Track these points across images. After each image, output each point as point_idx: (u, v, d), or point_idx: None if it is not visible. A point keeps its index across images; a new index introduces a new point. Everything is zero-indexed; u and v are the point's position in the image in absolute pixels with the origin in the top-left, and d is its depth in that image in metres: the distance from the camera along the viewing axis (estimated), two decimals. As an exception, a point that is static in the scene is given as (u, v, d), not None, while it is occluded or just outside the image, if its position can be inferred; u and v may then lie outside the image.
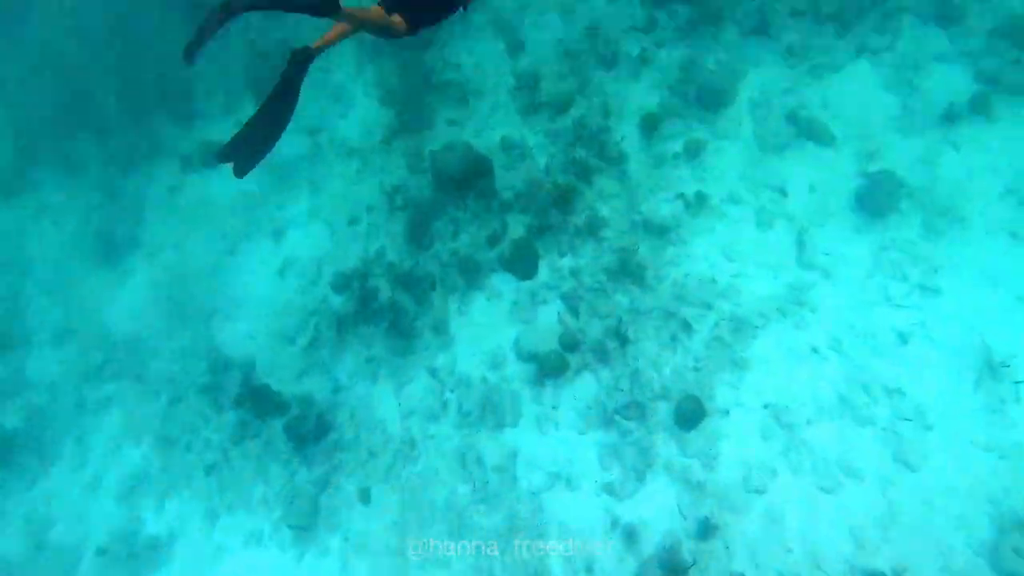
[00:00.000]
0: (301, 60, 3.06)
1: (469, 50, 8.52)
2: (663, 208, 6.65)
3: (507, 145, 7.37)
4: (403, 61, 8.68)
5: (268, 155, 3.31)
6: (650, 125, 6.94)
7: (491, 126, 7.68)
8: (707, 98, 6.95)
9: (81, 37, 10.79)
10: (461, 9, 3.53)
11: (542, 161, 7.18)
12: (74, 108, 9.77)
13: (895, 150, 6.37)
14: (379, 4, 3.21)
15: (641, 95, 7.32)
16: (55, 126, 9.72)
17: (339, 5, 2.79)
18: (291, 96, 3.13)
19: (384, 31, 3.19)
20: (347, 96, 8.91)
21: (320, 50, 3.10)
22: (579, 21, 8.24)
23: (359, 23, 3.03)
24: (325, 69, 9.32)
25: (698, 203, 6.59)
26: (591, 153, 6.98)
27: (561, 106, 7.40)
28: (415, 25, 3.28)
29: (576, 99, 7.45)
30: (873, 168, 6.32)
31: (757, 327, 5.97)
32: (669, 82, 7.29)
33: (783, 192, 6.49)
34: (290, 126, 8.74)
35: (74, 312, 8.24)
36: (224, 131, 9.32)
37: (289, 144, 8.84)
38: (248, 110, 9.51)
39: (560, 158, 7.06)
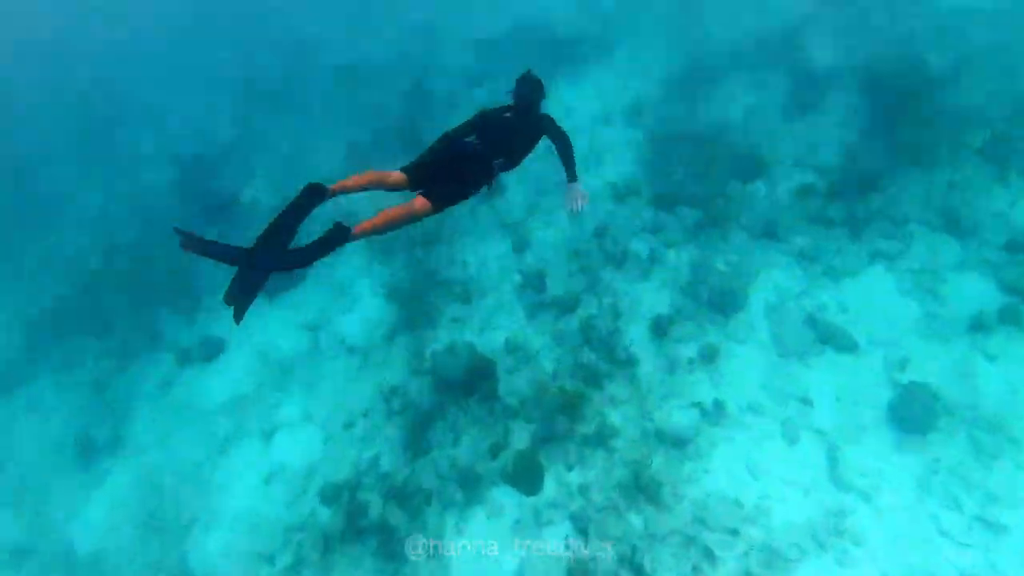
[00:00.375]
0: (313, 193, 3.50)
1: (475, 248, 10.26)
2: (678, 417, 7.42)
3: (512, 347, 8.52)
4: (410, 257, 10.42)
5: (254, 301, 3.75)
6: (661, 328, 8.05)
7: (495, 326, 8.95)
8: (720, 300, 8.13)
9: (103, 241, 13.37)
10: (485, 187, 4.04)
11: (548, 365, 8.22)
12: (81, 303, 11.74)
13: (924, 359, 7.21)
14: (401, 171, 3.84)
15: (651, 296, 8.60)
16: (61, 320, 11.60)
17: (348, 234, 3.43)
18: (288, 234, 3.44)
19: (409, 220, 3.65)
20: (353, 291, 10.53)
21: (335, 193, 3.59)
22: (587, 221, 9.98)
23: (383, 228, 3.57)
24: (331, 265, 11.19)
25: (716, 412, 7.36)
26: (600, 356, 8.03)
27: (568, 306, 8.68)
28: (440, 203, 3.73)
29: (584, 299, 8.76)
30: (904, 378, 7.09)
31: (792, 560, 6.28)
32: (680, 283, 8.60)
33: (808, 402, 7.24)
34: (291, 321, 10.21)
35: (37, 527, 9.00)
36: (225, 326, 10.92)
37: (288, 340, 10.31)
38: (255, 305, 11.23)
39: (567, 361, 8.10)
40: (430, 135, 4.35)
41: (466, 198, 3.99)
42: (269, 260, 3.47)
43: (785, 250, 8.66)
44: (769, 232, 8.85)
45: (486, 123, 4.24)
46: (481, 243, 10.37)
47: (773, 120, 11.02)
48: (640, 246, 9.24)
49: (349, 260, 11.22)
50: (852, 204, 8.88)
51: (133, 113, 18.74)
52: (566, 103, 12.86)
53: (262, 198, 13.54)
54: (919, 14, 12.63)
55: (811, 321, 7.78)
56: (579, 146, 11.12)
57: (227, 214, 13.06)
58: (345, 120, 14.70)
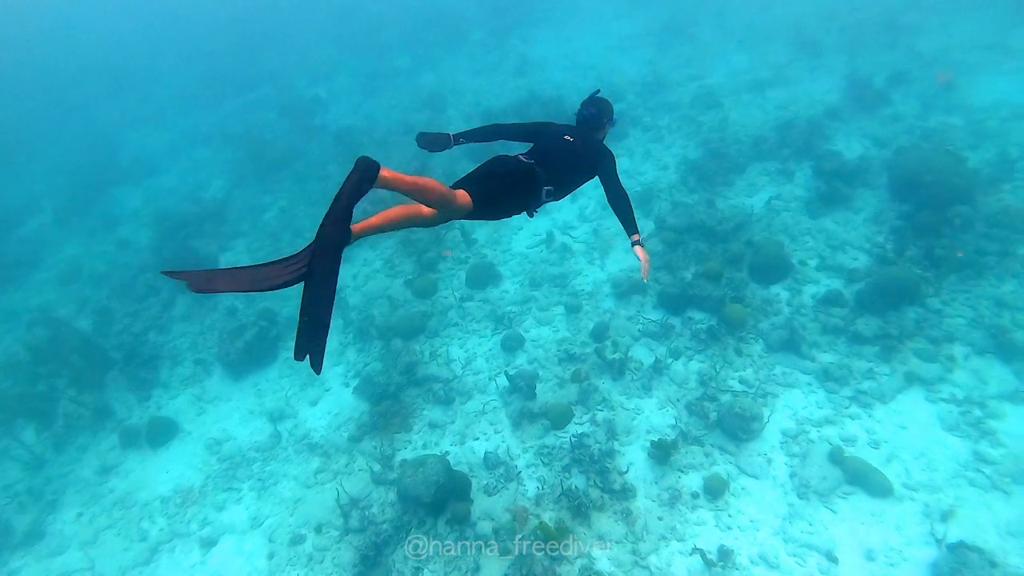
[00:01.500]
0: (366, 171, 2.92)
1: (463, 341, 9.62)
2: (677, 565, 6.49)
3: (492, 462, 7.72)
4: (388, 347, 9.79)
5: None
6: (663, 452, 7.23)
7: (476, 434, 8.18)
8: (731, 424, 7.33)
9: (73, 297, 13.03)
10: (526, 214, 3.88)
11: (531, 486, 7.39)
12: (33, 366, 11.16)
13: (975, 511, 6.29)
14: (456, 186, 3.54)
15: (653, 413, 7.82)
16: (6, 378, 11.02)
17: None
18: (327, 267, 2.85)
19: (442, 203, 3.29)
20: (322, 380, 9.85)
21: (387, 182, 3.03)
22: (586, 319, 9.34)
23: (415, 189, 3.11)
24: (308, 346, 10.57)
25: (722, 562, 6.43)
26: (590, 482, 7.18)
27: (559, 419, 7.91)
28: (481, 205, 3.49)
29: (576, 412, 7.98)
30: (949, 535, 6.17)
31: None
32: (686, 400, 7.82)
33: (832, 558, 6.31)
34: (254, 407, 9.53)
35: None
36: (181, 406, 10.26)
37: (247, 429, 9.58)
38: (214, 384, 10.61)
39: (553, 485, 7.26)
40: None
41: (506, 212, 3.81)
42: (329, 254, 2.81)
43: (808, 368, 7.91)
44: (790, 346, 8.13)
45: (545, 141, 4.10)
46: (469, 337, 9.74)
47: (797, 216, 10.53)
48: (643, 353, 8.54)
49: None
50: (885, 318, 8.18)
51: (127, 168, 18.81)
52: (574, 185, 12.49)
53: (242, 262, 13.12)
54: (953, 108, 12.35)
55: (836, 456, 6.93)
56: (583, 232, 10.72)
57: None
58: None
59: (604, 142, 4.40)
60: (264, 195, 15.71)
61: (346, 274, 12.07)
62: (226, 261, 13.39)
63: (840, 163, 10.88)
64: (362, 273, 11.95)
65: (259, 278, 2.77)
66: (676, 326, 8.78)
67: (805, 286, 9.11)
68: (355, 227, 3.01)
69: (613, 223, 11.33)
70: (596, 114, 4.36)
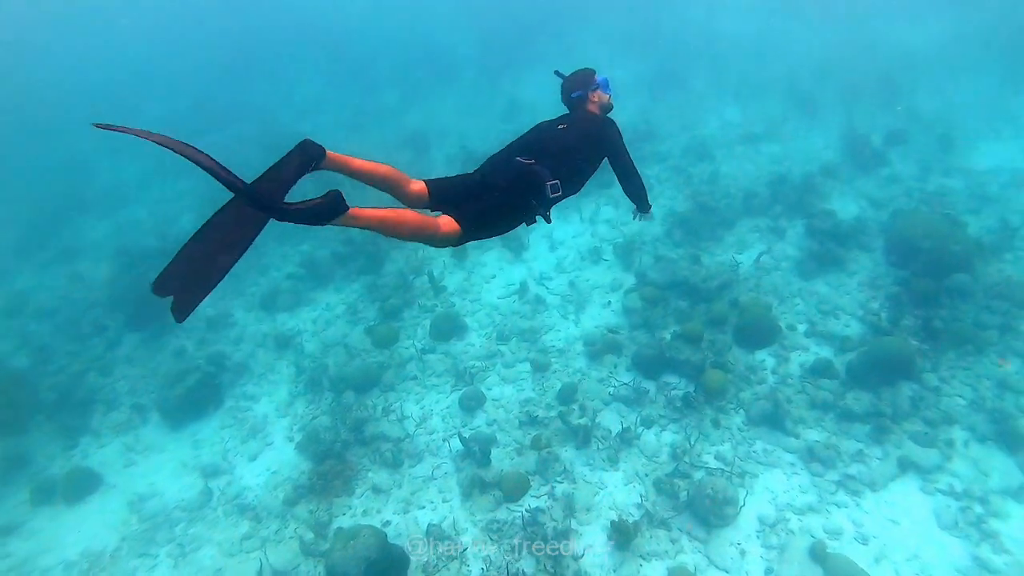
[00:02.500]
0: (305, 152, 2.89)
1: (419, 397, 9.02)
2: (634, 674, 5.76)
3: (436, 535, 7.03)
4: (341, 400, 9.18)
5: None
6: (625, 535, 6.56)
7: (422, 503, 7.52)
8: (703, 506, 6.70)
9: (15, 336, 12.46)
10: (525, 223, 3.55)
11: (475, 567, 6.69)
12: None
13: (974, 626, 5.62)
14: (425, 183, 3.38)
15: (617, 489, 7.19)
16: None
17: (341, 207, 2.70)
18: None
19: (423, 236, 3.03)
20: (266, 432, 9.21)
21: (332, 164, 3.01)
22: (554, 378, 8.78)
23: (389, 226, 2.89)
24: (253, 397, 9.98)
25: (686, 673, 5.70)
26: (540, 566, 6.49)
27: (513, 490, 7.27)
28: (470, 229, 3.18)
29: (533, 483, 7.34)
30: (944, 654, 5.48)
31: None
32: (656, 476, 7.20)
33: (812, 675, 5.59)
34: (187, 460, 8.84)
35: None
36: (108, 456, 9.56)
37: (176, 485, 8.87)
38: (149, 432, 9.92)
39: (499, 567, 6.57)
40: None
41: (508, 226, 3.45)
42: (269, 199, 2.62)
43: (791, 446, 7.32)
44: (773, 420, 7.56)
45: (539, 136, 3.77)
46: (427, 392, 9.15)
47: (788, 276, 10.10)
48: (612, 420, 7.95)
49: (275, 391, 10.06)
50: (878, 393, 7.66)
51: (96, 198, 18.46)
52: (553, 233, 12.11)
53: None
54: (952, 171, 12.12)
55: (819, 553, 6.26)
56: (559, 283, 10.24)
57: (154, 317, 12.10)
58: (305, 231, 14.06)
59: (605, 116, 4.08)
60: (233, 230, 15.26)
61: (306, 318, 11.56)
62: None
63: (834, 223, 10.52)
64: (323, 318, 11.42)
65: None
66: (650, 391, 8.22)
67: (792, 353, 8.60)
68: (354, 210, 2.77)
69: (592, 275, 10.89)
70: (571, 89, 4.11)
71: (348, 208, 2.73)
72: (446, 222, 3.14)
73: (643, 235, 11.48)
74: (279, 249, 13.96)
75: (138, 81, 25.22)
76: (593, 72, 4.20)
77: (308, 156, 2.94)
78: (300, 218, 2.64)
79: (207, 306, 12.53)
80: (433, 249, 12.61)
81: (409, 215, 2.98)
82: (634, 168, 3.94)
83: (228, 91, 22.68)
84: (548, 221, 3.60)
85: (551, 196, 3.46)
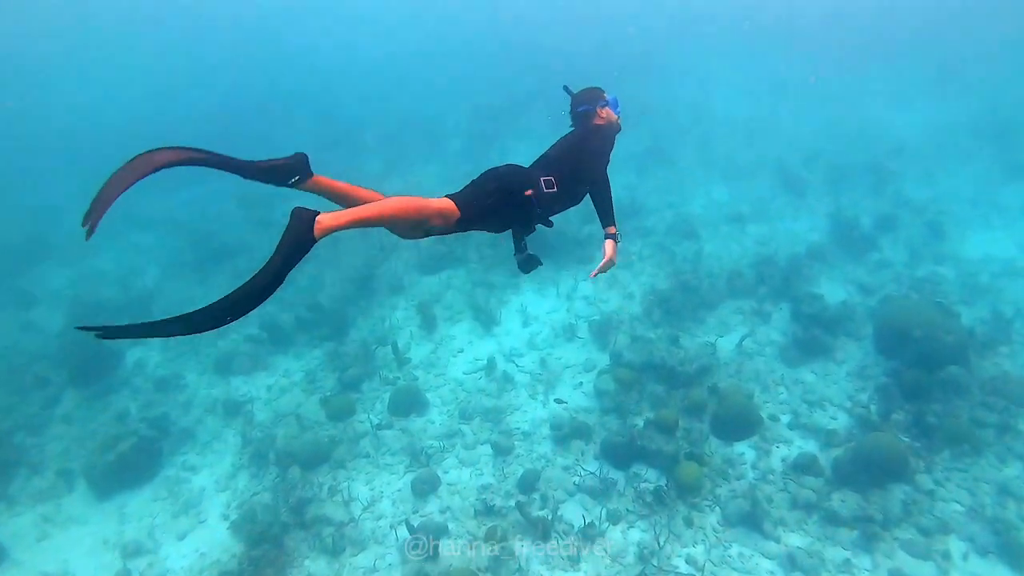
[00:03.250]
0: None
1: (369, 477, 8.40)
2: None
3: (369, 642, 6.30)
4: (286, 476, 8.55)
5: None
6: (582, 651, 5.88)
7: (361, 598, 6.80)
8: (671, 619, 6.04)
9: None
10: (524, 236, 3.53)
11: None
12: None
13: None
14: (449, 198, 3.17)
15: (579, 594, 6.52)
16: None
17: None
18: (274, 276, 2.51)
19: (419, 216, 2.90)
20: (200, 508, 8.52)
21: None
22: (516, 463, 8.21)
23: (381, 216, 2.77)
24: (192, 468, 9.31)
25: None
26: None
27: (461, 591, 6.58)
28: (465, 215, 3.07)
29: (485, 582, 6.68)
30: None
31: None
32: (621, 580, 6.55)
33: None
34: (111, 536, 8.08)
35: None
36: (20, 527, 8.78)
37: (94, 563, 8.12)
38: (72, 502, 9.17)
39: None
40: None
41: (499, 222, 3.41)
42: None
43: (771, 551, 6.74)
44: (752, 520, 7.00)
45: (546, 152, 3.74)
46: (379, 472, 8.54)
47: (771, 363, 9.73)
48: (575, 513, 7.35)
49: (218, 462, 9.41)
50: (866, 495, 7.16)
51: (63, 245, 18.07)
52: (526, 307, 11.77)
53: (150, 361, 12.06)
54: (943, 258, 11.98)
55: None
56: (530, 361, 9.79)
57: (101, 374, 11.55)
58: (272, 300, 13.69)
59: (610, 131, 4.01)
60: (197, 287, 14.87)
61: (261, 384, 11.01)
62: (133, 358, 12.28)
63: (821, 307, 10.24)
64: (279, 385, 10.88)
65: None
66: (619, 483, 7.66)
67: (774, 446, 8.11)
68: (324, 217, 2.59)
69: (565, 353, 10.47)
70: (578, 104, 4.04)
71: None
72: (443, 202, 3.04)
73: (621, 313, 11.14)
74: (243, 309, 13.48)
75: (129, 129, 25.33)
76: (602, 90, 4.12)
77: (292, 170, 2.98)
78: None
79: (158, 367, 11.99)
80: (400, 320, 12.30)
81: (397, 202, 2.83)
82: (606, 177, 3.83)
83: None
84: (548, 224, 3.52)
85: (546, 191, 3.35)
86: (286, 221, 2.45)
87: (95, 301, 14.38)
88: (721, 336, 10.39)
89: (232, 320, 2.27)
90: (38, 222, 19.52)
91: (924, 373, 8.59)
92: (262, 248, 15.82)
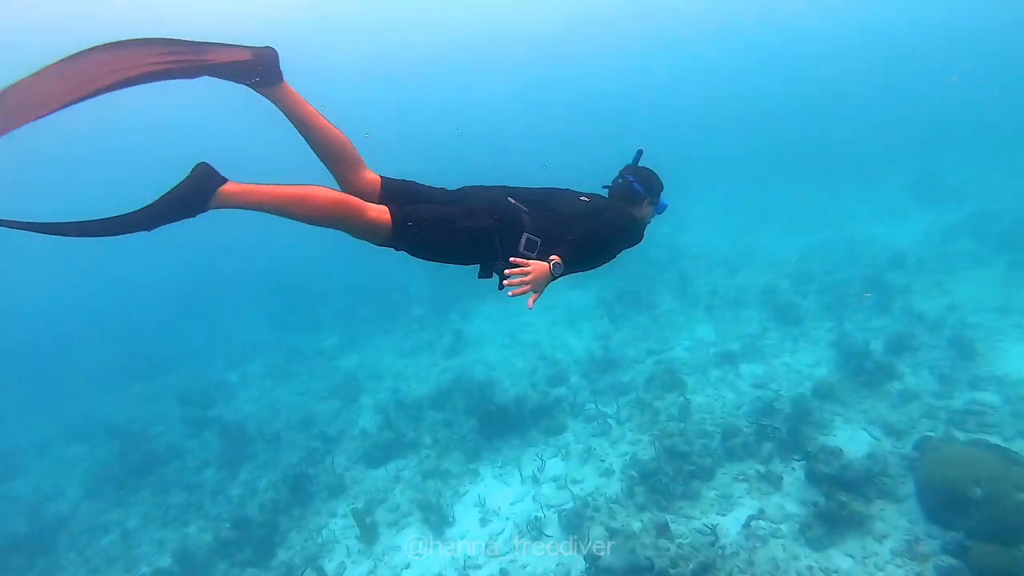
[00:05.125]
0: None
1: None
2: None
3: None
4: None
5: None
6: None
7: None
8: None
9: None
10: (478, 269, 3.18)
11: None
12: None
13: None
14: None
15: None
16: None
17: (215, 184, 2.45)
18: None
19: (340, 214, 2.61)
20: None
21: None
22: None
23: (284, 203, 2.52)
24: None
25: None
26: None
27: None
28: (399, 233, 2.76)
29: None
30: None
31: None
32: None
33: None
34: None
35: None
36: None
37: None
38: None
39: None
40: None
41: (442, 255, 3.05)
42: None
43: None
44: None
45: (551, 196, 3.42)
46: None
47: (791, 546, 7.53)
48: None
49: None
50: None
51: None
52: (485, 499, 9.67)
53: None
54: (981, 381, 10.05)
55: None
56: (488, 574, 7.62)
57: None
58: (196, 511, 11.75)
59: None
60: (114, 509, 12.84)
61: None
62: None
63: (842, 464, 8.14)
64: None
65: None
66: None
67: None
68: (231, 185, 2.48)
69: (531, 560, 8.26)
70: (632, 183, 3.65)
71: (223, 180, 2.45)
72: (378, 209, 2.72)
73: (598, 496, 9.03)
74: (157, 534, 11.42)
75: (80, 326, 24.52)
76: (663, 187, 3.78)
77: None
78: (165, 212, 2.36)
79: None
80: (338, 531, 10.18)
81: (322, 189, 2.60)
82: (600, 252, 3.22)
83: (168, 336, 21.70)
84: (500, 287, 2.92)
85: (520, 250, 3.05)
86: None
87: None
88: (723, 515, 8.22)
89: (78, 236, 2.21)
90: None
91: (1002, 549, 6.36)
92: (190, 452, 14.02)
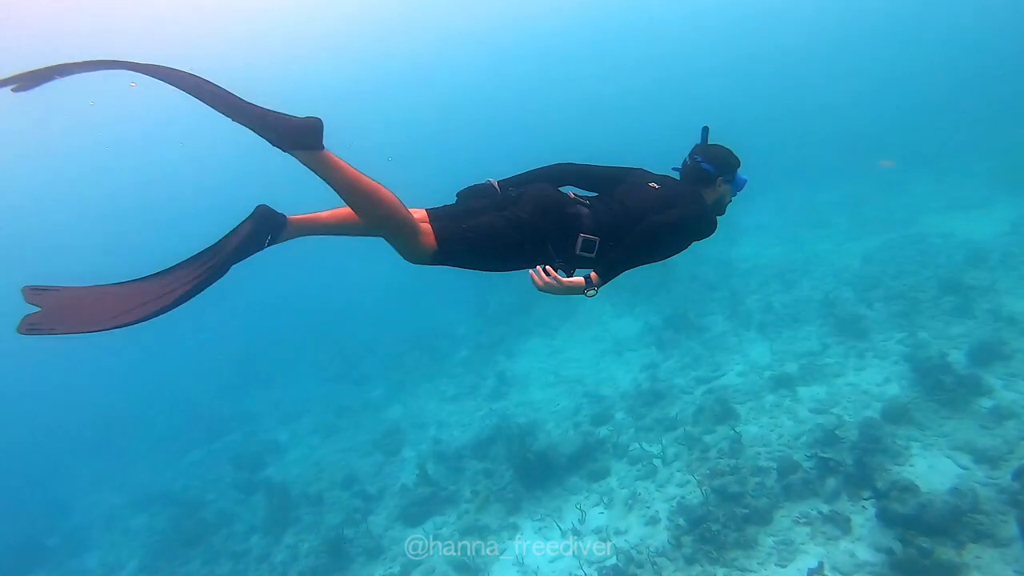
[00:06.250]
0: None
1: None
2: None
3: None
4: None
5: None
6: None
7: None
8: None
9: None
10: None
11: None
12: None
13: None
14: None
15: None
16: None
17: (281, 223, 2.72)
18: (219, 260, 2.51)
19: (398, 226, 2.73)
20: None
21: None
22: None
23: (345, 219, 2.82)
24: None
25: None
26: None
27: None
28: (444, 250, 2.79)
29: None
30: None
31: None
32: None
33: None
34: None
35: None
36: None
37: None
38: None
39: None
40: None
41: (490, 265, 3.02)
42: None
43: None
44: None
45: (618, 187, 3.31)
46: None
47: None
48: None
49: None
50: None
51: (55, 548, 16.66)
52: (524, 557, 8.90)
53: None
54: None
55: None
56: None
57: None
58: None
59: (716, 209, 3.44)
60: (165, 584, 12.77)
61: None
62: None
63: (923, 501, 6.96)
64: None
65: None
66: None
67: None
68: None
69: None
70: (700, 163, 3.42)
71: (284, 217, 2.71)
72: (426, 228, 2.80)
73: (640, 552, 8.11)
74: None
75: (141, 402, 25.28)
76: (739, 163, 3.52)
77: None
78: (240, 250, 2.55)
79: None
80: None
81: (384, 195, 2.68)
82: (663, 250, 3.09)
83: (225, 401, 22.01)
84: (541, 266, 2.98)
85: (577, 252, 2.95)
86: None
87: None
88: (782, 566, 7.17)
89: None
90: (38, 523, 18.43)
91: None
92: (239, 517, 13.83)
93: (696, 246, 3.29)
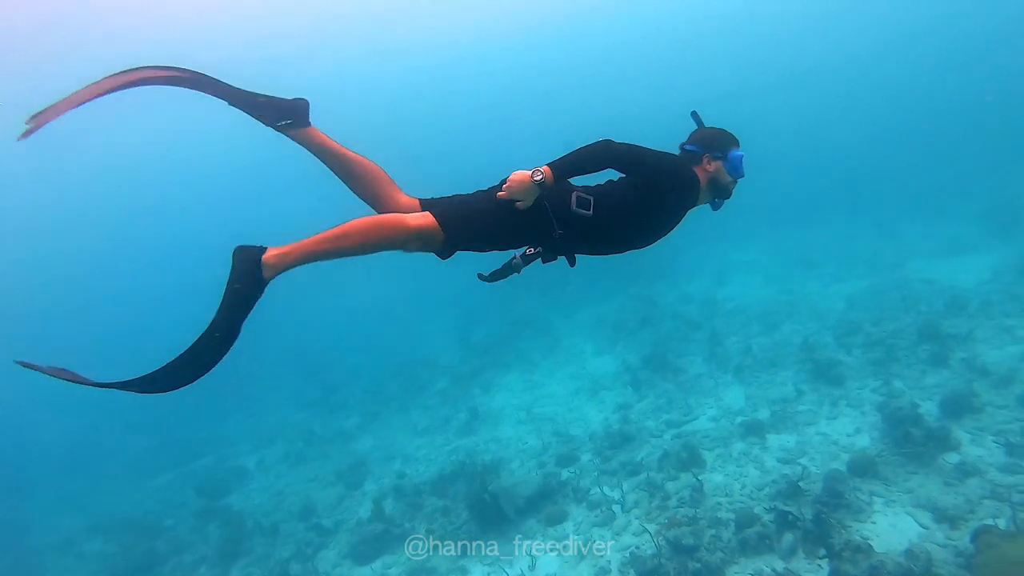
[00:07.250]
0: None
1: None
2: None
3: None
4: None
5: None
6: None
7: None
8: None
9: None
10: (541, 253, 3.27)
11: None
12: None
13: None
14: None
15: None
16: None
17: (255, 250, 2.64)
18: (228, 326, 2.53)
19: (388, 245, 2.70)
20: None
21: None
22: None
23: (326, 244, 2.61)
24: None
25: None
26: None
27: None
28: (452, 234, 2.80)
29: None
30: None
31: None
32: None
33: None
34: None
35: None
36: None
37: None
38: None
39: None
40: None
41: (498, 242, 3.03)
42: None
43: None
44: None
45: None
46: None
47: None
48: None
49: None
50: None
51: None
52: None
53: None
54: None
55: None
56: None
57: None
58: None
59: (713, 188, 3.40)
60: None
61: None
62: None
63: (874, 563, 6.72)
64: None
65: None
66: None
67: None
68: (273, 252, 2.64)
69: None
70: (685, 145, 3.46)
71: (261, 250, 2.55)
72: (420, 216, 2.76)
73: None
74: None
75: (112, 422, 24.94)
76: (734, 141, 3.41)
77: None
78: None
79: None
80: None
81: (358, 220, 2.65)
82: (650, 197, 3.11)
83: (202, 423, 21.70)
84: (571, 264, 3.21)
85: (573, 208, 2.97)
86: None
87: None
88: (732, 630, 6.87)
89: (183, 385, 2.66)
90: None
91: None
92: (192, 546, 13.46)
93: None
